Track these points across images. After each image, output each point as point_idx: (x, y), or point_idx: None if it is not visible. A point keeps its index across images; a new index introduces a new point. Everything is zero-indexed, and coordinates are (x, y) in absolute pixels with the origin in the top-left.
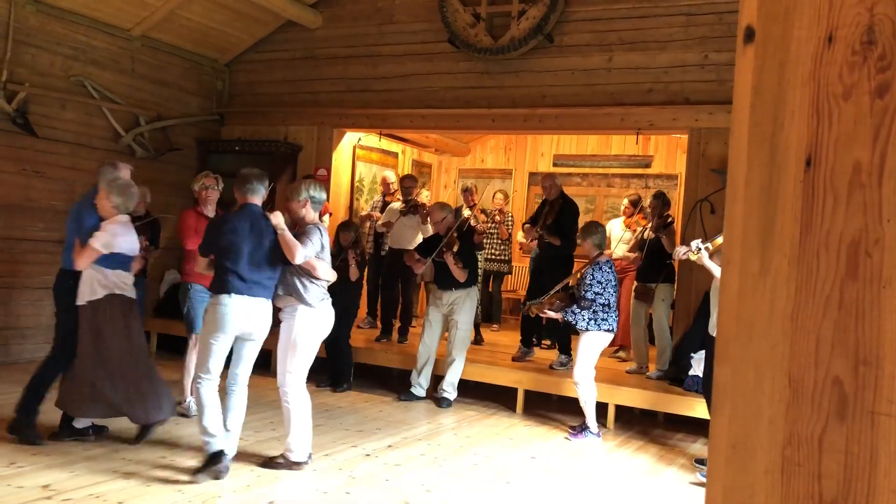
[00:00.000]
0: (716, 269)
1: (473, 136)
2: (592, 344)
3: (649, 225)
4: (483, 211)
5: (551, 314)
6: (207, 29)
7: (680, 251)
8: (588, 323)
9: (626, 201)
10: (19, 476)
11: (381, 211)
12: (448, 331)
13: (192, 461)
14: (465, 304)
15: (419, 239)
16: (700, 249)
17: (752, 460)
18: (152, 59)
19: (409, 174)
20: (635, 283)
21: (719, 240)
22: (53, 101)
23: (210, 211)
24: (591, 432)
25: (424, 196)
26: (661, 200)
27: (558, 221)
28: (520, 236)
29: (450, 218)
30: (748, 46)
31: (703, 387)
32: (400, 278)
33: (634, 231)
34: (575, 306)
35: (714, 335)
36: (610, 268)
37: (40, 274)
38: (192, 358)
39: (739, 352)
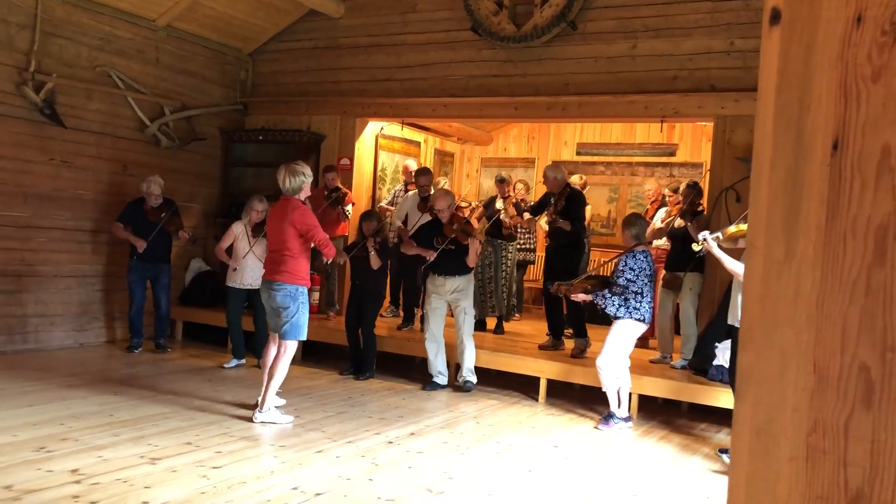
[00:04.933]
0: (725, 258)
1: (496, 124)
2: (623, 332)
3: (679, 213)
4: (515, 204)
5: (581, 296)
6: (231, 19)
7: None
8: (618, 309)
9: (667, 191)
10: (49, 461)
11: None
12: (454, 317)
13: (219, 448)
14: (468, 289)
15: None
16: (706, 239)
17: (776, 447)
18: (177, 49)
19: (424, 168)
20: (663, 271)
21: (731, 228)
22: (80, 91)
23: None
24: (619, 419)
25: (443, 183)
26: (694, 190)
27: (567, 209)
28: (542, 222)
29: (480, 209)
30: (774, 28)
31: (729, 376)
32: (420, 266)
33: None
34: (606, 290)
35: (733, 324)
36: (645, 257)
37: (69, 262)
38: (283, 366)
39: (764, 338)
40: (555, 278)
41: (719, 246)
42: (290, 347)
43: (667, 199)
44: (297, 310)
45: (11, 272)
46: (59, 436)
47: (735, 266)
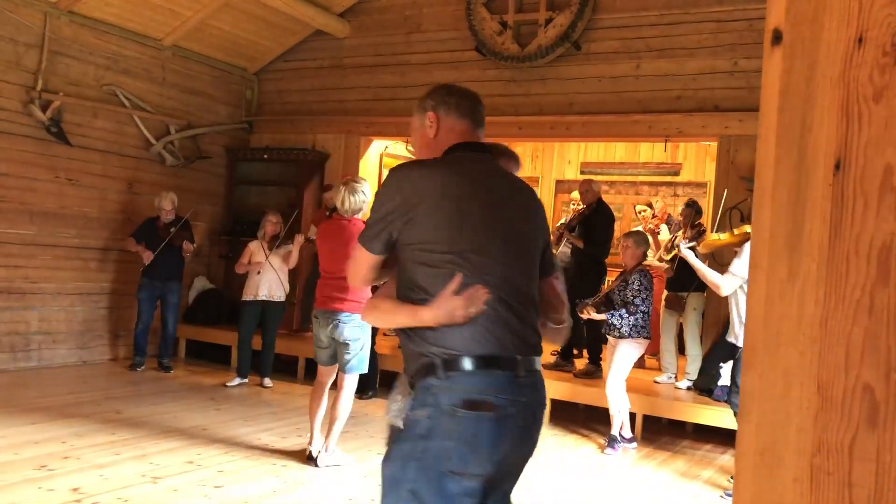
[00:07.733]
0: (700, 267)
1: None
2: (632, 352)
3: (680, 233)
4: None
5: (594, 314)
6: (237, 38)
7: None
8: (631, 329)
9: (638, 207)
10: (50, 479)
11: None
12: None
13: (221, 467)
14: None
15: None
16: (678, 246)
17: (780, 468)
18: (183, 69)
19: None
20: (665, 291)
21: (713, 236)
22: (86, 109)
23: None
24: (623, 442)
25: None
26: (694, 209)
27: (585, 225)
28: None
29: None
30: (776, 48)
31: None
32: None
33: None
34: (623, 311)
35: (730, 341)
36: (651, 276)
37: (73, 280)
38: (348, 403)
39: (767, 358)
40: (573, 297)
41: (696, 255)
42: (354, 381)
43: (638, 214)
44: (366, 340)
45: (15, 290)
46: (61, 454)
47: (711, 276)
